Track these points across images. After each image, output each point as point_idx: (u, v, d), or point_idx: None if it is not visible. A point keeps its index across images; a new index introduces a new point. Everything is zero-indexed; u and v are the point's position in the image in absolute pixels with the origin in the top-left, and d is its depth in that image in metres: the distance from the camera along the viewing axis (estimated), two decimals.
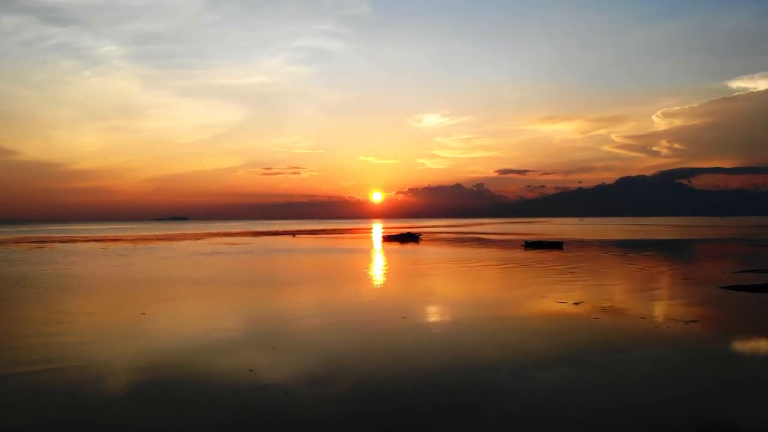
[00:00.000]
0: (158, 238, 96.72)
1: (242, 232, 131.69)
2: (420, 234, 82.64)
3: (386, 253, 54.10)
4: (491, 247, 63.00)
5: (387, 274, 34.08)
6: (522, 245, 62.60)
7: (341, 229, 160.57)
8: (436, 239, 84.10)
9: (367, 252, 55.30)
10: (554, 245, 60.63)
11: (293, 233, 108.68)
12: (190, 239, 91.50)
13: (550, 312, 20.16)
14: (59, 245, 74.22)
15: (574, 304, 21.73)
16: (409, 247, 64.90)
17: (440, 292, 26.33)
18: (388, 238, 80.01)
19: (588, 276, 32.02)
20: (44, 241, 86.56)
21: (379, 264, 41.40)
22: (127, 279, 31.07)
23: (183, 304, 22.56)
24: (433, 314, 20.26)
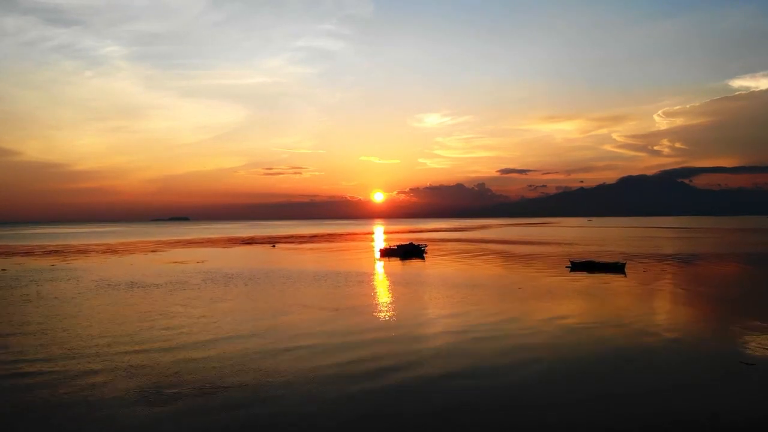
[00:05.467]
0: (108, 250, 79.81)
1: (217, 239, 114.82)
2: (425, 246, 65.75)
3: (380, 282, 37.22)
4: (521, 265, 46.17)
5: (369, 364, 17.08)
6: (567, 267, 45.73)
7: (335, 235, 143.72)
8: (445, 252, 67.15)
9: (352, 281, 38.37)
10: (612, 267, 43.84)
11: (273, 243, 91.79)
12: (141, 251, 74.58)
13: None
14: None
15: None
16: (413, 266, 48.08)
17: None
18: (386, 253, 63.04)
19: None
20: None
21: (360, 317, 24.49)
22: None
23: None
24: None
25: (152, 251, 75.28)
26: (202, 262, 54.59)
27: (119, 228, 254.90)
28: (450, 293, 30.91)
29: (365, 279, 38.47)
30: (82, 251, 76.86)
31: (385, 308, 26.36)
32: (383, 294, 31.37)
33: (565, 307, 26.33)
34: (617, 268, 43.66)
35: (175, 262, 54.45)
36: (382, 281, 37.78)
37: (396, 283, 35.98)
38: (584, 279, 38.19)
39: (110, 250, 78.94)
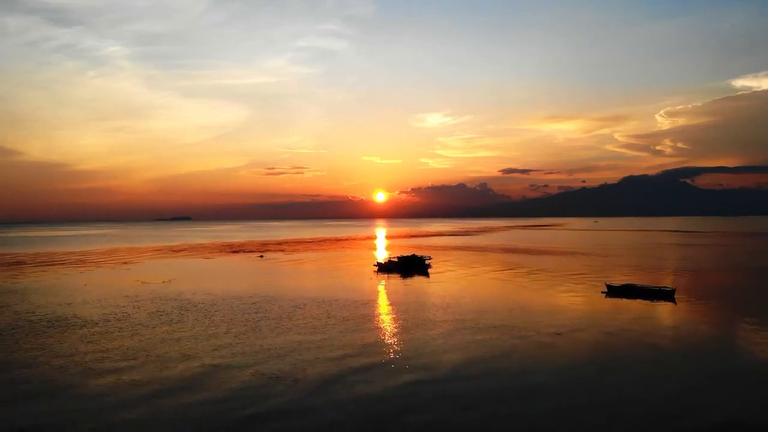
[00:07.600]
0: (78, 260, 71.91)
1: (206, 246, 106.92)
2: (429, 258, 57.79)
3: (375, 318, 29.26)
4: (545, 286, 38.20)
5: None
6: (603, 292, 37.84)
7: (334, 240, 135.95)
8: (451, 264, 59.13)
9: (337, 316, 30.58)
10: (658, 294, 35.95)
11: (262, 253, 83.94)
12: (111, 264, 66.60)
13: None
14: None
15: None
16: (416, 287, 40.19)
17: None
18: (386, 267, 54.98)
19: None
20: None
21: (352, 398, 16.68)
22: None
23: None
24: None
25: (123, 263, 67.28)
26: (168, 281, 46.54)
27: (115, 230, 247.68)
28: (469, 340, 22.94)
29: (356, 313, 30.47)
30: (48, 263, 68.94)
31: (383, 381, 18.45)
32: (379, 345, 23.39)
33: (644, 378, 18.41)
34: (665, 294, 35.74)
35: (137, 281, 46.51)
36: (377, 317, 29.79)
37: (396, 320, 28.02)
38: (629, 308, 30.55)
39: (80, 261, 71.12)
